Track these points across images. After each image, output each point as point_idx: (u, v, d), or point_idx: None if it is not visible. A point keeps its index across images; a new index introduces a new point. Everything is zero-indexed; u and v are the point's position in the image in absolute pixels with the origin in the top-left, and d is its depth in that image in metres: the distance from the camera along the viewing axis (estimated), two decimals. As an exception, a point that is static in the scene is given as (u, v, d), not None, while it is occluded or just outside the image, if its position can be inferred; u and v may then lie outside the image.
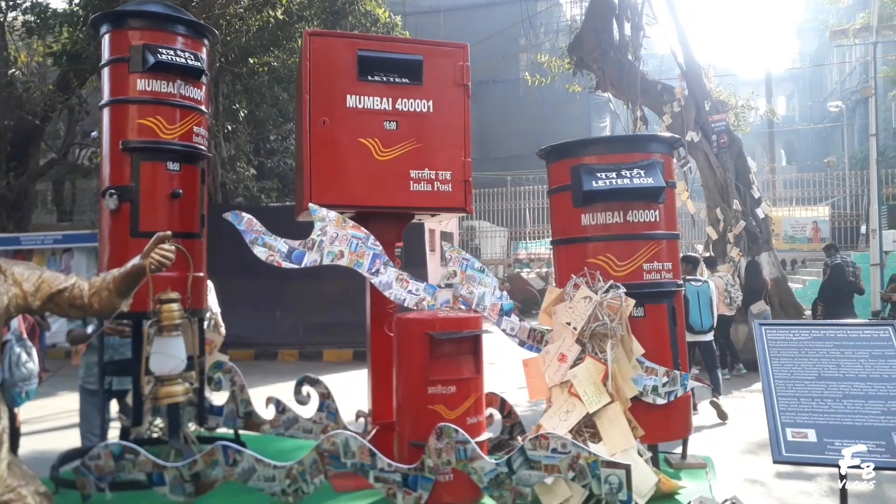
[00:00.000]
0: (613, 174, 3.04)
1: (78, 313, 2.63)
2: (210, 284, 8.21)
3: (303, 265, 2.92)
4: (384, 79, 3.12)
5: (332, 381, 3.64)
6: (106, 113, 3.17)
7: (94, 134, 15.55)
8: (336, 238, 2.92)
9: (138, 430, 3.29)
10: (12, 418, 4.64)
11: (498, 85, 27.65)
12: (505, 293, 3.13)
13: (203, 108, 3.30)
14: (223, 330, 7.87)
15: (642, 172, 3.05)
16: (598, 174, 3.04)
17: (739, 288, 10.76)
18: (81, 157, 17.63)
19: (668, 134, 4.05)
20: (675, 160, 12.02)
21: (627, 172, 3.04)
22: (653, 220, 3.13)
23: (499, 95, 28.09)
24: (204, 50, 3.34)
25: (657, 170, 3.08)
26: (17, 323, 4.57)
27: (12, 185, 14.69)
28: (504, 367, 6.16)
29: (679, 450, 3.34)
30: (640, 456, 2.74)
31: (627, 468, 2.40)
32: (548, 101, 25.61)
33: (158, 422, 3.41)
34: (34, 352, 4.68)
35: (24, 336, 4.72)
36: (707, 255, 11.91)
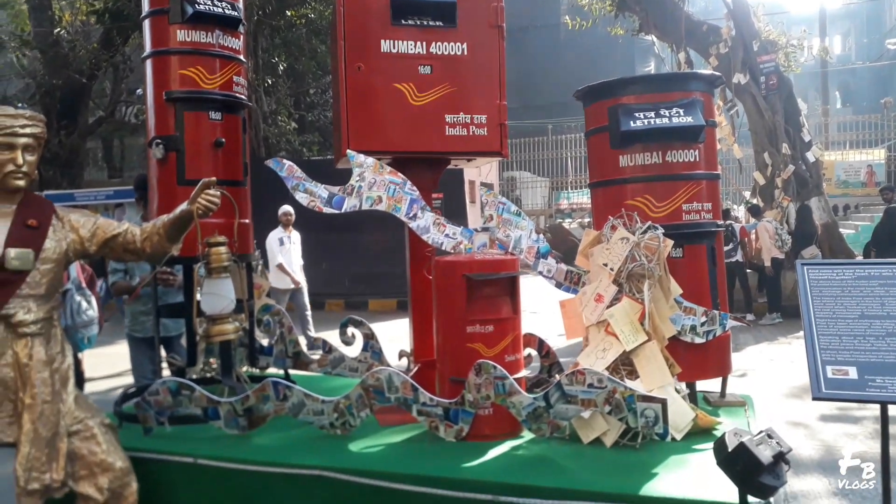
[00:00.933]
0: (652, 114, 3.00)
1: (132, 257, 2.77)
2: (297, 236, 8.29)
3: (343, 210, 2.98)
4: (418, 22, 3.12)
5: (376, 329, 3.76)
6: (148, 65, 3.25)
7: (138, 91, 15.83)
8: (374, 184, 2.97)
9: (193, 370, 3.46)
10: (77, 363, 4.93)
11: (538, 31, 27.01)
12: (542, 236, 3.15)
13: (241, 57, 3.36)
14: (304, 282, 8.07)
15: (681, 111, 3.00)
16: (636, 114, 3.01)
17: (788, 234, 10.56)
18: (128, 114, 18.02)
19: (708, 72, 3.94)
20: (720, 102, 11.62)
21: (666, 112, 3.00)
22: (692, 159, 3.09)
23: (539, 42, 27.46)
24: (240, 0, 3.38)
25: (697, 108, 3.03)
26: (77, 273, 4.80)
27: (64, 143, 15.14)
28: (546, 316, 6.23)
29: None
30: (678, 392, 2.78)
31: (663, 402, 2.45)
32: (590, 46, 24.97)
33: (212, 362, 3.58)
34: (93, 300, 4.93)
35: (84, 285, 4.96)
36: (753, 202, 11.66)
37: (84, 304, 4.84)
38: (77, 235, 2.65)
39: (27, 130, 2.53)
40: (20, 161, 2.51)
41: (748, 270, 10.52)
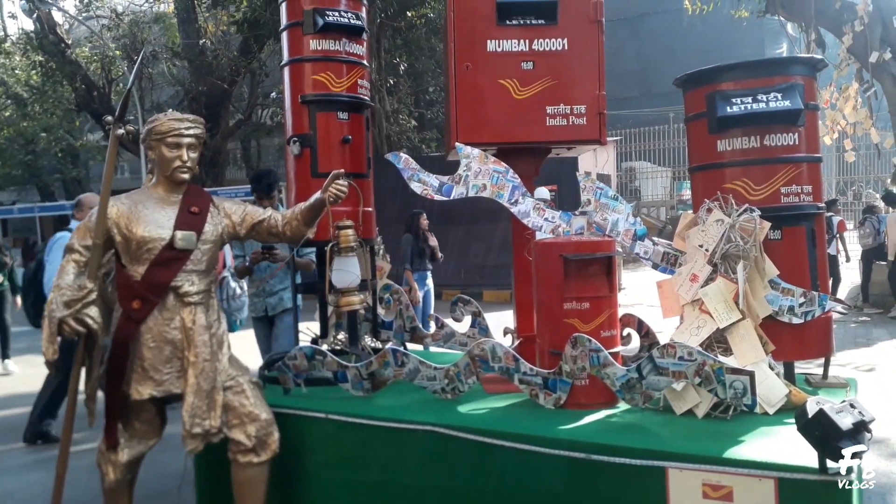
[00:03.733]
0: (749, 99, 3.08)
1: (274, 239, 3.23)
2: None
3: (451, 198, 3.30)
4: (521, 21, 3.37)
5: (491, 318, 4.05)
6: (286, 72, 3.71)
7: (272, 94, 17.07)
8: (480, 173, 3.26)
9: (325, 341, 3.90)
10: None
11: (659, 16, 26.23)
12: (639, 219, 3.31)
13: (364, 62, 3.75)
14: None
15: (779, 96, 3.05)
16: (733, 99, 3.10)
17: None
18: (263, 116, 19.43)
19: (807, 55, 3.92)
20: (855, 83, 10.82)
21: (763, 96, 3.06)
22: (792, 143, 3.13)
23: (660, 27, 26.66)
24: (363, 9, 3.77)
25: (796, 92, 3.07)
26: (231, 261, 5.44)
27: (208, 144, 16.61)
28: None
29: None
30: (771, 369, 2.87)
31: (751, 374, 2.56)
32: (714, 29, 23.94)
33: (341, 336, 4.02)
34: (244, 285, 5.57)
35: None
36: (893, 189, 10.89)
37: (238, 290, 5.48)
38: (230, 220, 3.14)
39: (191, 132, 3.03)
40: (185, 158, 3.01)
41: (877, 261, 10.02)
